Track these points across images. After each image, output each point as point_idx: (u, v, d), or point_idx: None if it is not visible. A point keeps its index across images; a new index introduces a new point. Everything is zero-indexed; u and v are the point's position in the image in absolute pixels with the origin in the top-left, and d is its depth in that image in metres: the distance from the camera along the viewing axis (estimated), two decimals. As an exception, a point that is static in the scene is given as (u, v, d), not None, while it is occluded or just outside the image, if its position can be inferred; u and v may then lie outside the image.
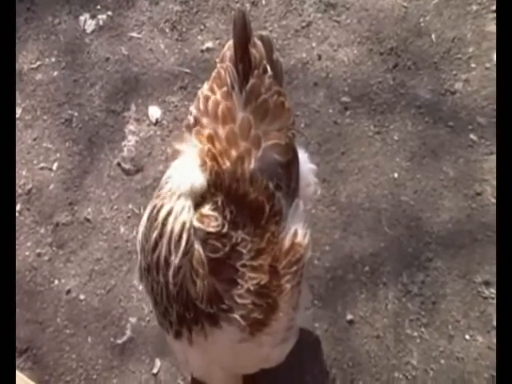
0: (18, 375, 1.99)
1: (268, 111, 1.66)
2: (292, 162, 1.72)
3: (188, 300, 1.51)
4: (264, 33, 1.79)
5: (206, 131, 1.65)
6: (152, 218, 1.49)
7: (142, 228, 1.58)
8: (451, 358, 2.13)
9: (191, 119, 1.71)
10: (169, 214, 1.47)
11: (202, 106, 1.70)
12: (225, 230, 1.55)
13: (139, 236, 1.60)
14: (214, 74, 1.73)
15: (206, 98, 1.69)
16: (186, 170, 1.51)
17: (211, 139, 1.63)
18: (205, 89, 1.72)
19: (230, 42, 1.70)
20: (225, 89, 1.67)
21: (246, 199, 1.61)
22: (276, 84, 1.72)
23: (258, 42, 1.72)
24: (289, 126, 1.71)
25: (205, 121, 1.67)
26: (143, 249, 1.53)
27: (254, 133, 1.63)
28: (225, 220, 1.55)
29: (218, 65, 1.73)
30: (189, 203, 1.48)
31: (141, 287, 2.21)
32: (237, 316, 1.56)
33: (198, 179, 1.51)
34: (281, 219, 1.67)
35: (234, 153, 1.62)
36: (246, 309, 1.56)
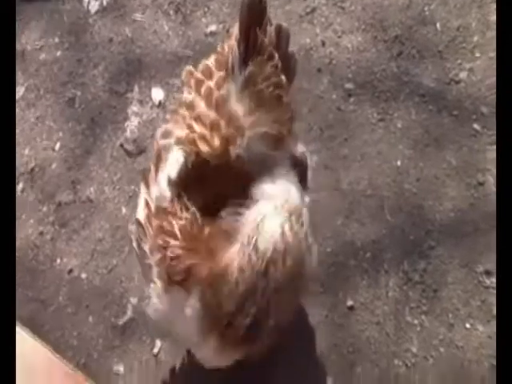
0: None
1: (262, 102, 1.62)
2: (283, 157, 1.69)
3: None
4: (284, 24, 1.74)
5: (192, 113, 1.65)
6: None
7: None
8: (451, 346, 2.13)
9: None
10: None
11: (195, 85, 1.68)
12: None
13: None
14: (218, 48, 1.70)
15: (201, 80, 1.67)
16: None
17: (193, 122, 1.63)
18: (206, 65, 1.69)
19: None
20: (222, 74, 1.64)
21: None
22: (278, 75, 1.67)
23: (271, 28, 1.67)
24: (284, 120, 1.66)
25: (195, 102, 1.65)
26: None
27: (241, 121, 1.60)
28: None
29: (225, 42, 1.71)
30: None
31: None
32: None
33: None
34: None
35: (216, 137, 1.60)
36: None
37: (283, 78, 1.68)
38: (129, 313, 2.21)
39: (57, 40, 2.70)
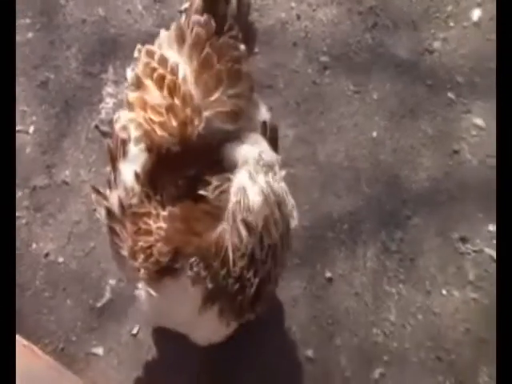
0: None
1: (220, 81, 1.60)
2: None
3: None
4: None
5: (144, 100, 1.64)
6: None
7: None
8: (428, 313, 2.16)
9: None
10: None
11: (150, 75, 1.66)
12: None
13: None
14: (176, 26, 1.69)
15: (155, 68, 1.65)
16: None
17: (149, 115, 1.62)
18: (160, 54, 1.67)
19: None
20: (176, 59, 1.64)
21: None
22: (237, 48, 1.66)
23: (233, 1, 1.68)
24: (243, 93, 1.64)
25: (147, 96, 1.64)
26: None
27: (198, 102, 1.59)
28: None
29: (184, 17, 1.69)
30: None
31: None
32: None
33: None
34: None
35: (173, 120, 1.59)
36: None
37: (243, 48, 1.67)
38: (107, 294, 2.20)
39: (28, 21, 2.65)
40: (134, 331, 2.15)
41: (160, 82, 1.62)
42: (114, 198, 1.68)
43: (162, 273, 1.59)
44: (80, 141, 2.45)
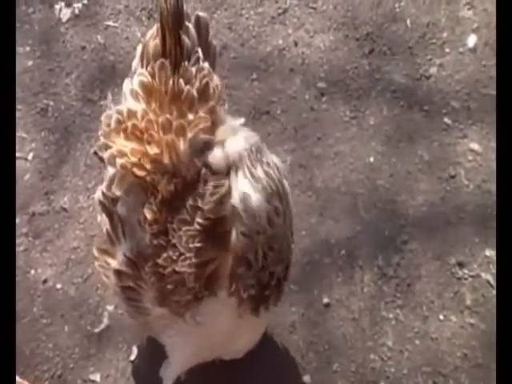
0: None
1: (193, 101, 1.59)
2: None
3: None
4: (201, 13, 1.73)
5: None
6: None
7: None
8: (426, 338, 2.15)
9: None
10: None
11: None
12: None
13: None
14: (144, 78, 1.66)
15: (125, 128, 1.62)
16: None
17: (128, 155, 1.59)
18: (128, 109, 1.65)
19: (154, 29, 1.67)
20: (144, 106, 1.62)
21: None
22: (201, 68, 1.65)
23: (190, 26, 1.67)
24: (214, 107, 1.63)
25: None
26: None
27: (177, 124, 1.57)
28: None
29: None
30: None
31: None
32: None
33: None
34: None
35: (156, 149, 1.56)
36: None
37: (206, 67, 1.67)
38: (105, 320, 2.20)
39: (28, 49, 2.69)
40: (132, 357, 2.15)
41: (134, 130, 1.59)
42: (120, 256, 1.65)
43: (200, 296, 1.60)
44: (79, 167, 2.46)
